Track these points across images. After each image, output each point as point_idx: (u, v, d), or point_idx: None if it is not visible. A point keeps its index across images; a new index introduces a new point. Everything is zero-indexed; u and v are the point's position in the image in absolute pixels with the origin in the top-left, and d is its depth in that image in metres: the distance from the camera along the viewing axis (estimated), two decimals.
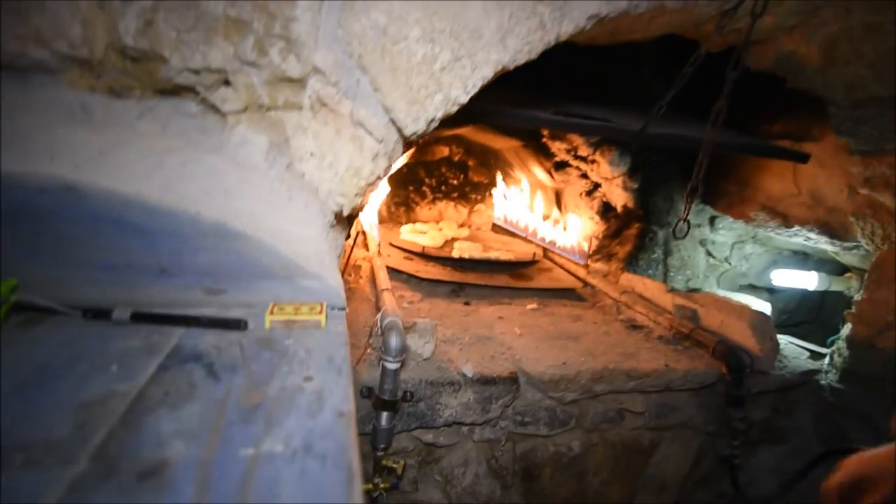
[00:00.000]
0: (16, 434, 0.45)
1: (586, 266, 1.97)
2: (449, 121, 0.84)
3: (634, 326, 1.57)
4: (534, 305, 1.68)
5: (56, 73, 0.70)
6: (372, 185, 0.81)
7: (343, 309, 0.75)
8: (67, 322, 0.64)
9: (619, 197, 1.88)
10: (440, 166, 2.63)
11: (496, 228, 2.58)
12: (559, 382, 1.21)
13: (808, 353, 1.56)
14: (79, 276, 0.68)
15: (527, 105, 1.40)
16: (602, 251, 1.96)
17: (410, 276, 1.76)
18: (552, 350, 1.33)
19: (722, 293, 1.83)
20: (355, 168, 0.79)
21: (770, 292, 1.93)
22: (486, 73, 0.79)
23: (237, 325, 0.66)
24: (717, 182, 1.82)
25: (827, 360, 1.51)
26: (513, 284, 1.80)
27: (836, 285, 1.73)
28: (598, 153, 1.87)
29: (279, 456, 0.43)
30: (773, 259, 1.89)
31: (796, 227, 1.59)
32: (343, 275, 1.57)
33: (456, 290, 1.74)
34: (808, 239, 1.60)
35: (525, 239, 2.32)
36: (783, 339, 1.63)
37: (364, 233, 2.00)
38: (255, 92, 0.73)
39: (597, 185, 1.98)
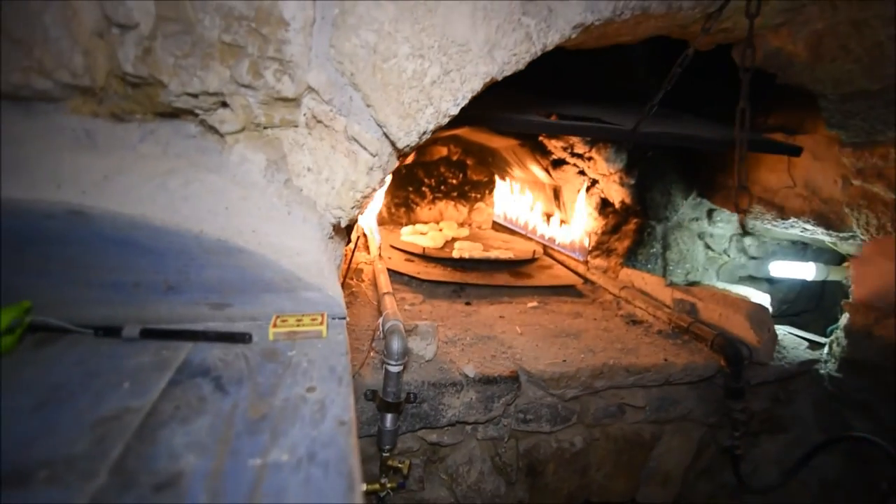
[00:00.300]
0: (38, 451, 0.48)
1: (586, 262, 1.99)
2: (447, 121, 0.86)
3: (634, 321, 1.59)
4: (534, 303, 1.70)
5: (59, 101, 0.72)
6: (368, 196, 0.84)
7: (343, 318, 0.78)
8: (80, 341, 0.67)
9: (617, 193, 1.90)
10: (439, 166, 2.66)
11: (496, 226, 2.61)
12: (560, 380, 1.23)
13: (806, 343, 1.58)
14: (89, 295, 0.71)
15: (521, 106, 1.42)
16: (601, 247, 1.98)
17: (412, 277, 1.79)
18: (553, 348, 1.35)
19: (721, 285, 1.84)
20: (351, 182, 0.81)
21: (770, 283, 1.95)
22: (475, 86, 0.81)
23: (242, 338, 0.69)
24: (713, 176, 1.83)
25: (826, 349, 1.52)
26: (513, 283, 1.83)
27: (835, 275, 1.74)
28: (594, 150, 1.88)
29: (285, 465, 0.46)
30: (771, 250, 1.90)
31: (792, 219, 1.61)
32: (345, 279, 1.60)
33: (457, 291, 1.76)
34: (805, 230, 1.61)
35: (525, 236, 2.35)
36: (782, 330, 1.64)
37: (365, 235, 2.03)
38: (251, 112, 0.76)
39: (594, 182, 2.00)
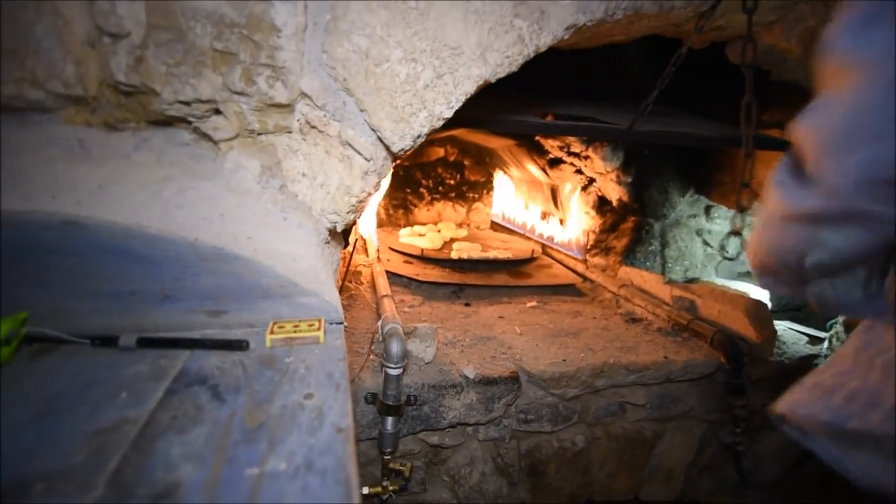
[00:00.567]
0: (36, 463, 0.48)
1: (584, 261, 1.99)
2: (442, 123, 0.86)
3: (633, 320, 1.59)
4: (533, 303, 1.70)
5: (53, 111, 0.72)
6: (363, 201, 0.84)
7: (341, 323, 0.78)
8: (77, 351, 0.67)
9: (614, 191, 1.90)
10: (436, 167, 2.66)
11: (495, 226, 2.61)
12: (560, 379, 1.23)
13: (806, 339, 1.58)
14: (86, 305, 0.71)
15: (516, 106, 1.42)
16: (599, 245, 1.98)
17: (410, 279, 1.79)
18: (552, 347, 1.35)
19: (720, 282, 1.84)
20: (346, 186, 0.81)
21: None
22: (468, 89, 0.81)
23: (239, 345, 0.69)
24: (710, 173, 1.83)
25: (826, 344, 1.52)
26: (512, 283, 1.83)
27: None
28: (590, 149, 1.88)
29: (282, 474, 0.46)
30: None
31: None
32: (344, 282, 1.60)
33: (456, 292, 1.76)
34: None
35: (523, 236, 2.35)
36: (782, 325, 1.64)
37: (364, 238, 2.03)
38: (245, 119, 0.76)
39: (591, 181, 2.00)
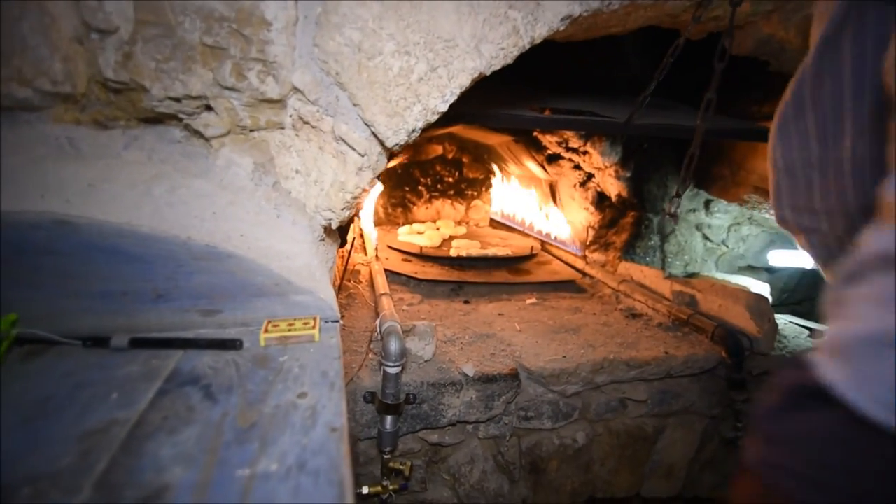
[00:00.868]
0: (23, 467, 0.47)
1: (584, 257, 1.98)
2: (439, 120, 0.85)
3: (634, 315, 1.58)
4: (533, 300, 1.69)
5: (41, 109, 0.71)
6: (358, 197, 0.83)
7: (337, 321, 0.77)
8: (68, 352, 0.66)
9: (613, 186, 1.88)
10: (434, 165, 2.65)
11: (494, 223, 2.60)
12: (560, 376, 1.22)
13: (808, 332, 1.57)
14: (77, 306, 0.70)
15: (512, 100, 1.40)
16: (599, 241, 1.97)
17: (409, 277, 1.78)
18: (552, 344, 1.34)
19: (720, 276, 1.83)
20: (340, 183, 0.80)
21: (769, 272, 1.93)
22: (463, 82, 0.80)
23: (233, 344, 0.68)
24: (709, 166, 1.82)
25: None
26: (511, 280, 1.82)
27: None
28: (589, 144, 1.87)
29: (273, 475, 0.45)
30: (770, 239, 1.88)
31: None
32: (342, 280, 1.59)
33: (455, 289, 1.75)
34: None
35: (522, 233, 2.34)
36: (783, 319, 1.63)
37: (362, 236, 2.02)
38: (236, 115, 0.75)
39: (590, 176, 1.98)
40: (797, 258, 1.76)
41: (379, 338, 1.12)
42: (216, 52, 0.70)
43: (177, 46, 0.69)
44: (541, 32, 0.82)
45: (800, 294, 2.02)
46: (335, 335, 0.73)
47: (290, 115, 0.77)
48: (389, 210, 2.56)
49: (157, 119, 0.75)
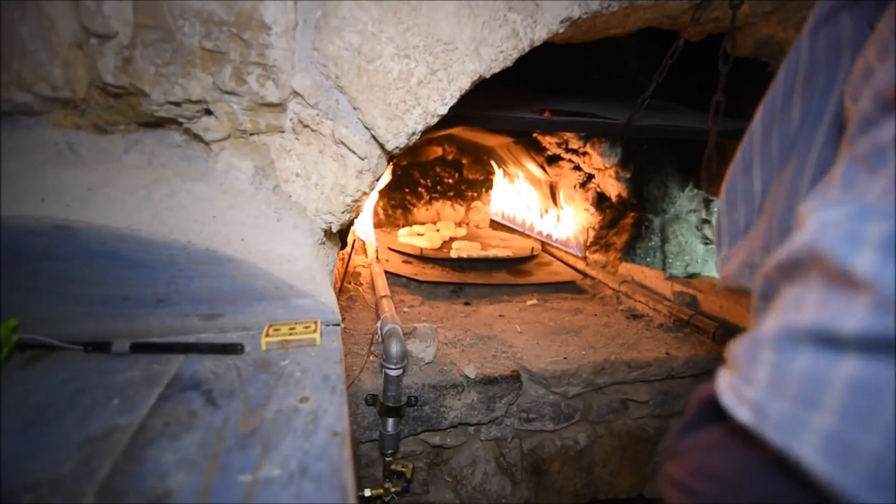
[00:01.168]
0: (24, 473, 0.47)
1: (585, 258, 1.98)
2: (438, 122, 0.85)
3: (635, 316, 1.58)
4: (534, 301, 1.69)
5: (41, 114, 0.71)
6: (359, 200, 0.83)
7: (337, 325, 0.77)
8: (69, 357, 0.66)
9: (613, 187, 1.88)
10: (434, 166, 2.64)
11: (494, 225, 2.60)
12: (561, 378, 1.22)
13: None
14: (78, 311, 0.70)
15: (512, 102, 1.40)
16: (599, 242, 1.97)
17: (410, 279, 1.78)
18: (553, 345, 1.34)
19: None
20: (341, 186, 0.80)
21: None
22: (462, 85, 0.80)
23: (234, 349, 0.68)
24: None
25: None
26: (512, 281, 1.82)
27: None
28: (588, 145, 1.87)
29: (276, 480, 0.45)
30: None
31: None
32: (343, 283, 1.59)
33: (456, 291, 1.75)
34: None
35: (523, 234, 2.33)
36: None
37: (362, 238, 2.02)
38: (236, 119, 0.75)
39: (590, 177, 1.98)
40: None
41: (380, 340, 1.12)
42: (216, 57, 0.70)
43: (176, 51, 0.69)
44: (540, 35, 0.82)
45: None
46: (336, 339, 0.73)
47: (290, 119, 0.77)
48: (389, 212, 2.56)
49: (156, 123, 0.75)
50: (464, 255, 1.90)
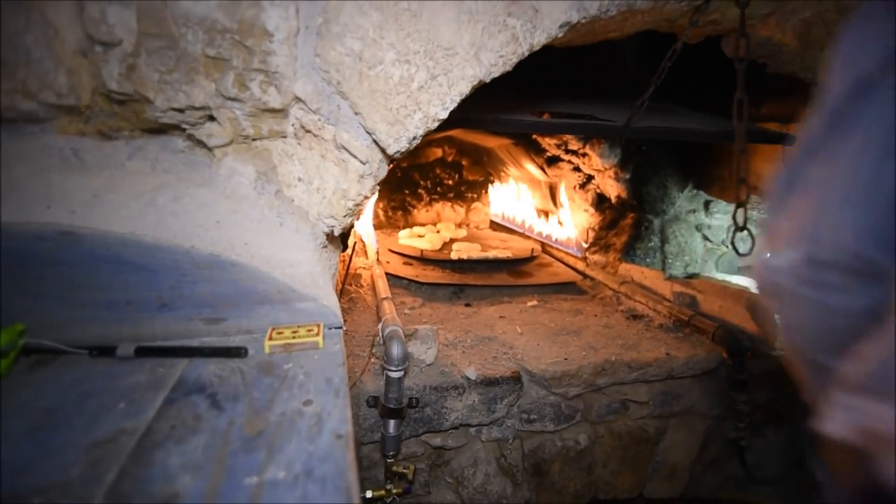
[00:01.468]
0: (33, 477, 0.47)
1: (584, 258, 1.99)
2: (439, 125, 0.85)
3: (635, 316, 1.59)
4: (534, 302, 1.70)
5: (45, 121, 0.72)
6: (360, 204, 0.84)
7: (340, 328, 0.77)
8: (75, 362, 0.67)
9: (613, 188, 1.89)
10: (434, 168, 2.65)
11: (494, 226, 2.60)
12: (562, 378, 1.23)
13: None
14: (83, 315, 0.71)
15: (512, 105, 1.41)
16: (599, 243, 1.98)
17: (410, 281, 1.79)
18: (554, 346, 1.35)
19: (721, 277, 1.84)
20: (342, 190, 0.81)
21: None
22: (462, 89, 0.80)
23: (238, 352, 0.68)
24: (709, 167, 1.83)
25: None
26: (512, 282, 1.82)
27: None
28: (588, 146, 1.88)
29: (281, 483, 0.46)
30: None
31: None
32: (344, 285, 1.60)
33: (456, 292, 1.76)
34: None
35: (523, 235, 2.34)
36: None
37: (363, 240, 2.03)
38: (239, 125, 0.75)
39: (590, 178, 1.99)
40: None
41: (381, 342, 1.13)
42: (219, 64, 0.71)
43: (180, 58, 0.70)
44: (539, 40, 0.83)
45: None
46: (339, 341, 0.73)
47: (293, 125, 0.78)
48: (389, 213, 2.56)
49: (160, 129, 0.76)
50: (464, 256, 1.91)
